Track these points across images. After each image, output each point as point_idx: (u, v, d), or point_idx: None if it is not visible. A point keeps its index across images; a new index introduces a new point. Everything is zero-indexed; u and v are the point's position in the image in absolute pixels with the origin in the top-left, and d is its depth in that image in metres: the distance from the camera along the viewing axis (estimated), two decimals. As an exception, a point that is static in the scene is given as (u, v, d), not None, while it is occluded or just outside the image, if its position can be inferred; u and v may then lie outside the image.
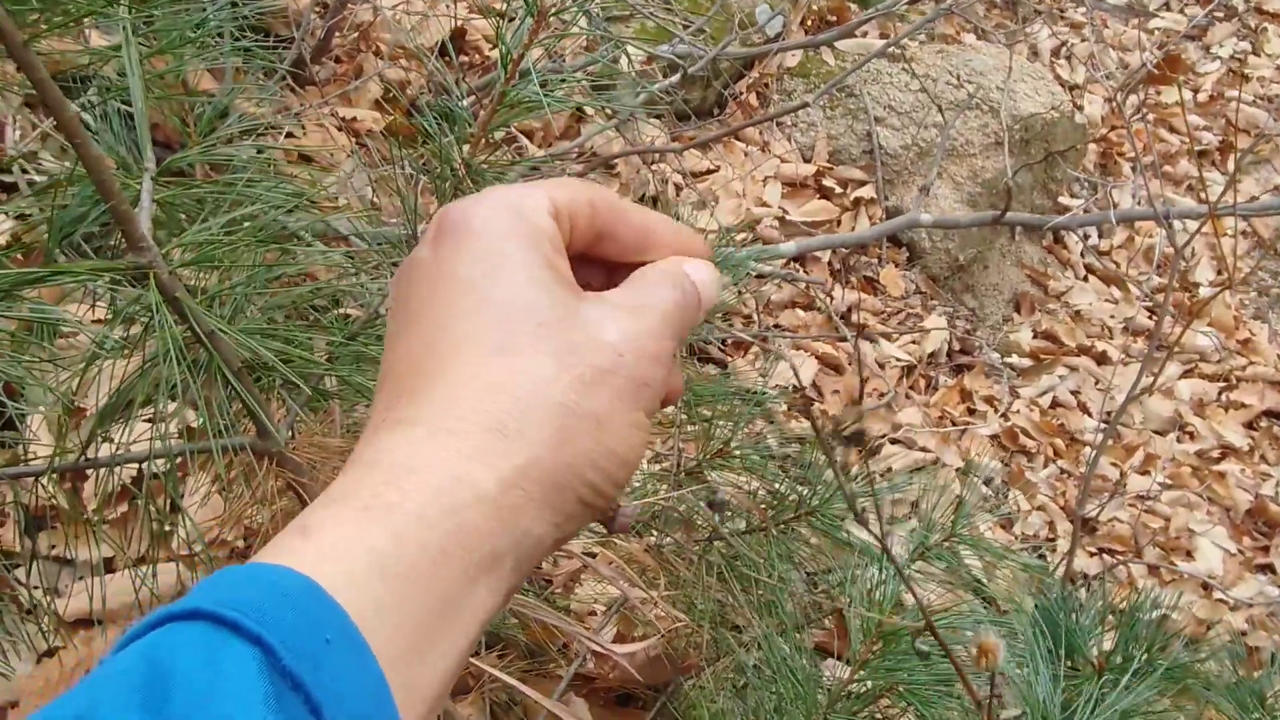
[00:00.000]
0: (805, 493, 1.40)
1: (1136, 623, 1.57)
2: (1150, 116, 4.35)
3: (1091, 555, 2.87)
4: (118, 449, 0.90)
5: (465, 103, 0.93)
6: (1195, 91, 4.62)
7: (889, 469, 2.70)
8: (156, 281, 0.79)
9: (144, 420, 1.02)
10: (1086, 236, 3.87)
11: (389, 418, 0.43)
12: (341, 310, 1.25)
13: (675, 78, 2.39)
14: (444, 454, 0.41)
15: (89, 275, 0.69)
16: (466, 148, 1.00)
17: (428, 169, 1.16)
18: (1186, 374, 3.54)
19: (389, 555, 0.39)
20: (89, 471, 1.16)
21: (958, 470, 2.82)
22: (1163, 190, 3.84)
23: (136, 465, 0.92)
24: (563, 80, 0.98)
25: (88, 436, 0.87)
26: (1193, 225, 3.44)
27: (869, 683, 1.26)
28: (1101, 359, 3.47)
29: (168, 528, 1.25)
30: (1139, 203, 3.92)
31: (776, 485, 1.45)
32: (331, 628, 0.36)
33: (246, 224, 0.88)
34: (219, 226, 0.82)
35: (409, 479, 0.41)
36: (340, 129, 2.55)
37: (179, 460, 0.91)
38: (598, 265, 0.50)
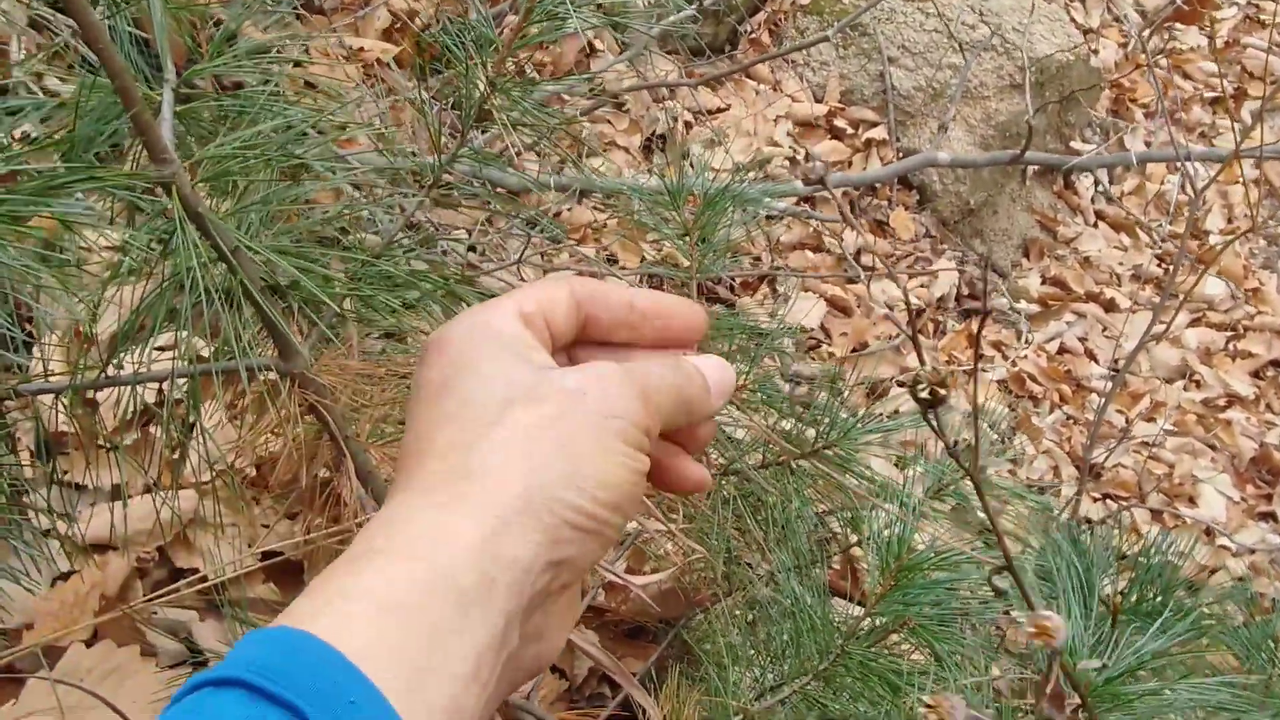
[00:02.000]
0: (823, 428, 1.39)
1: (1151, 566, 1.58)
2: (1164, 62, 4.29)
3: (1095, 500, 2.87)
4: (138, 368, 0.88)
5: (487, 12, 0.90)
6: (1211, 38, 4.56)
7: (896, 410, 2.70)
8: (179, 195, 0.77)
9: (157, 349, 1.01)
10: (1097, 182, 3.83)
11: (390, 491, 0.50)
12: (356, 237, 1.23)
13: (692, 8, 2.35)
14: (422, 504, 0.47)
15: (118, 180, 0.68)
16: (490, 66, 0.97)
17: (447, 92, 1.14)
18: (1194, 323, 3.53)
19: (385, 596, 0.43)
20: (103, 394, 1.15)
21: (964, 414, 2.81)
22: (1176, 136, 3.79)
23: (157, 385, 0.91)
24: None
25: (109, 354, 0.86)
26: (1203, 172, 3.41)
27: (882, 618, 1.26)
28: (1110, 306, 3.45)
29: (176, 455, 1.24)
30: (1149, 146, 3.88)
31: (794, 421, 1.44)
32: (354, 689, 0.40)
33: (265, 141, 0.86)
34: (242, 141, 0.80)
35: (394, 528, 0.46)
36: (347, 59, 2.50)
37: (200, 379, 0.90)
38: (609, 349, 0.56)
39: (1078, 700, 0.50)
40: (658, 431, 0.53)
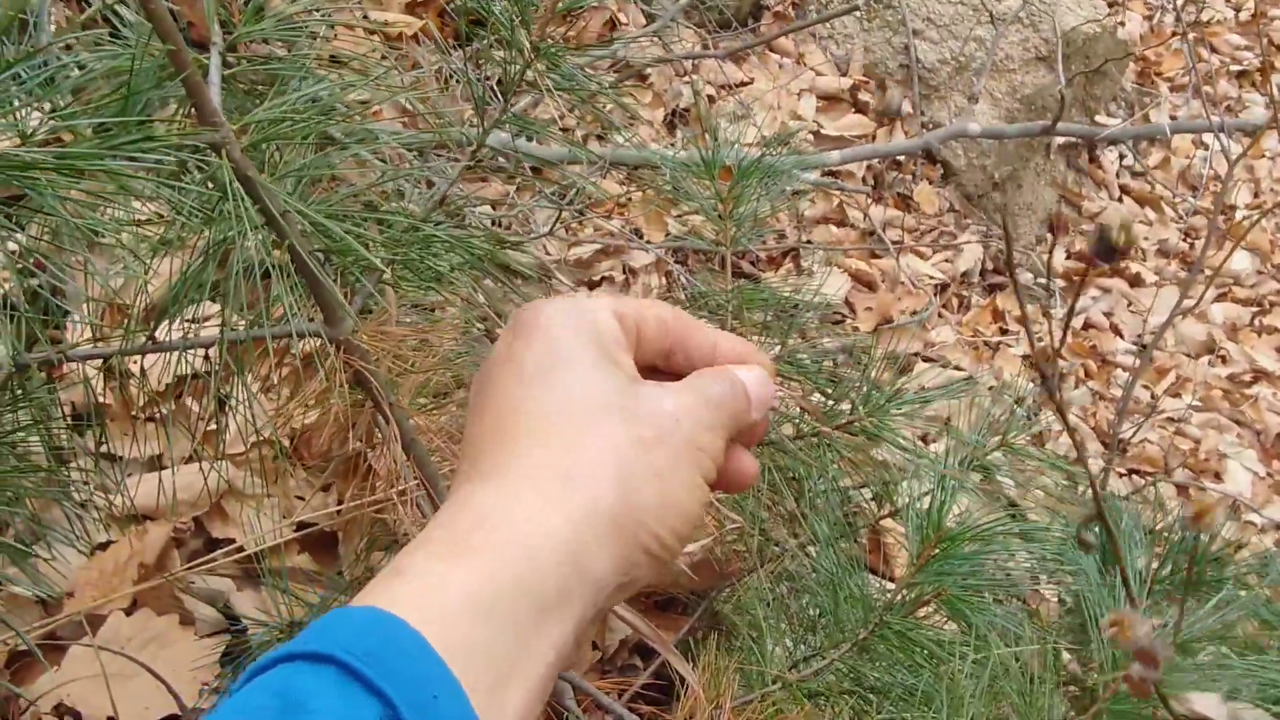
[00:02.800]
0: (858, 399, 1.39)
1: (1184, 540, 1.57)
2: (1190, 35, 4.24)
3: (1121, 476, 2.86)
4: (186, 334, 0.88)
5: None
6: (1237, 10, 4.50)
7: (922, 386, 2.69)
8: (229, 158, 0.77)
9: (191, 321, 1.01)
10: (1123, 156, 3.80)
11: (471, 474, 0.48)
12: (395, 205, 1.22)
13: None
14: (519, 501, 0.46)
15: (172, 140, 0.67)
16: (533, 30, 0.97)
17: (484, 57, 1.13)
18: (1220, 297, 3.50)
19: (479, 594, 0.43)
20: (148, 362, 1.15)
21: (990, 388, 2.80)
22: (1204, 110, 3.76)
23: (203, 352, 0.91)
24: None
25: (156, 318, 0.86)
26: (1232, 147, 3.37)
27: (920, 588, 1.25)
28: (1135, 281, 3.43)
29: (215, 424, 1.24)
30: (1173, 120, 3.84)
31: (826, 393, 1.44)
32: (438, 684, 0.40)
33: (311, 105, 0.86)
34: (289, 105, 0.80)
35: (491, 523, 0.45)
36: (372, 34, 2.50)
37: (245, 346, 0.90)
38: (668, 378, 0.55)
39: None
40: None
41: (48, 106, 0.68)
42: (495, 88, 1.10)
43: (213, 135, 0.74)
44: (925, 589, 1.24)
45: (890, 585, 1.49)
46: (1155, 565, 1.60)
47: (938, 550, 1.14)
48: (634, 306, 0.54)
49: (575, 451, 0.48)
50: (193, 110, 0.79)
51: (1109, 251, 0.49)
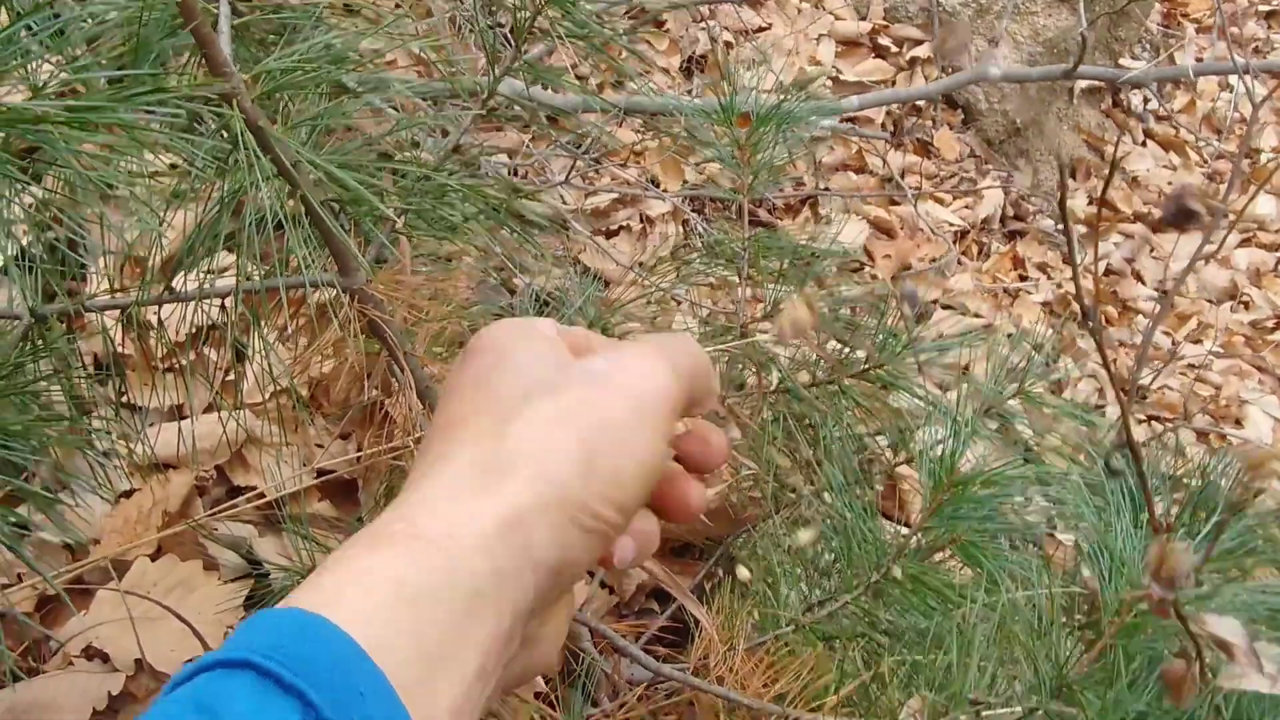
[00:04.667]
0: (876, 344, 1.39)
1: (1208, 484, 1.57)
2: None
3: (1140, 422, 2.85)
4: (202, 284, 0.89)
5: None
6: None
7: (940, 334, 2.68)
8: (241, 108, 0.77)
9: (206, 272, 1.02)
10: (1147, 100, 3.75)
11: (409, 484, 0.49)
12: (408, 154, 1.22)
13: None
14: (445, 494, 0.47)
15: (183, 92, 0.68)
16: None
17: (499, 2, 1.13)
18: (1244, 243, 3.46)
19: (402, 582, 0.43)
20: (165, 313, 1.16)
21: (1009, 335, 2.80)
22: (1229, 51, 3.69)
23: (220, 301, 0.92)
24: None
25: (172, 269, 0.87)
26: (1257, 90, 3.31)
27: (933, 532, 1.26)
28: (1158, 226, 3.40)
29: (234, 374, 1.26)
30: (1200, 62, 3.78)
31: (843, 340, 1.44)
32: (363, 679, 0.39)
33: (322, 54, 0.86)
34: (300, 54, 0.80)
35: (413, 515, 0.46)
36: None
37: (260, 296, 0.91)
38: None
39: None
40: (684, 408, 0.52)
41: (58, 59, 0.69)
42: (508, 35, 1.10)
43: (224, 86, 0.74)
44: (940, 534, 1.25)
45: (906, 531, 1.50)
46: (1175, 511, 1.61)
47: (949, 495, 1.15)
48: (573, 330, 0.55)
49: (499, 440, 0.48)
50: (204, 61, 0.79)
51: (1184, 215, 0.49)
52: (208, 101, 0.76)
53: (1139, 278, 3.26)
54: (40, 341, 0.87)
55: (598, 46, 1.04)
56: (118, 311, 0.90)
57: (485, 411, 0.49)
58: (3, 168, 0.57)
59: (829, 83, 3.05)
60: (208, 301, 0.96)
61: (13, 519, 0.85)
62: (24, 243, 0.92)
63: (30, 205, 0.85)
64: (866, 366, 1.38)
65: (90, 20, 0.79)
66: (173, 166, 0.90)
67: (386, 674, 0.40)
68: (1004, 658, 1.07)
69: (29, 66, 0.69)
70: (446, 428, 0.50)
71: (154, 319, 1.23)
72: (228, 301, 0.91)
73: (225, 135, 0.81)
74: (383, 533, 0.45)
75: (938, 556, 1.34)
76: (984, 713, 0.97)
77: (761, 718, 1.07)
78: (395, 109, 1.49)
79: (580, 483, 0.47)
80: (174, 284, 0.97)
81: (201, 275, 0.92)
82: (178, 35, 0.77)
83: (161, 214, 0.83)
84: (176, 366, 1.29)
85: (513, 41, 1.01)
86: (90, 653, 1.26)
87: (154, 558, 1.35)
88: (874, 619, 1.20)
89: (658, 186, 2.57)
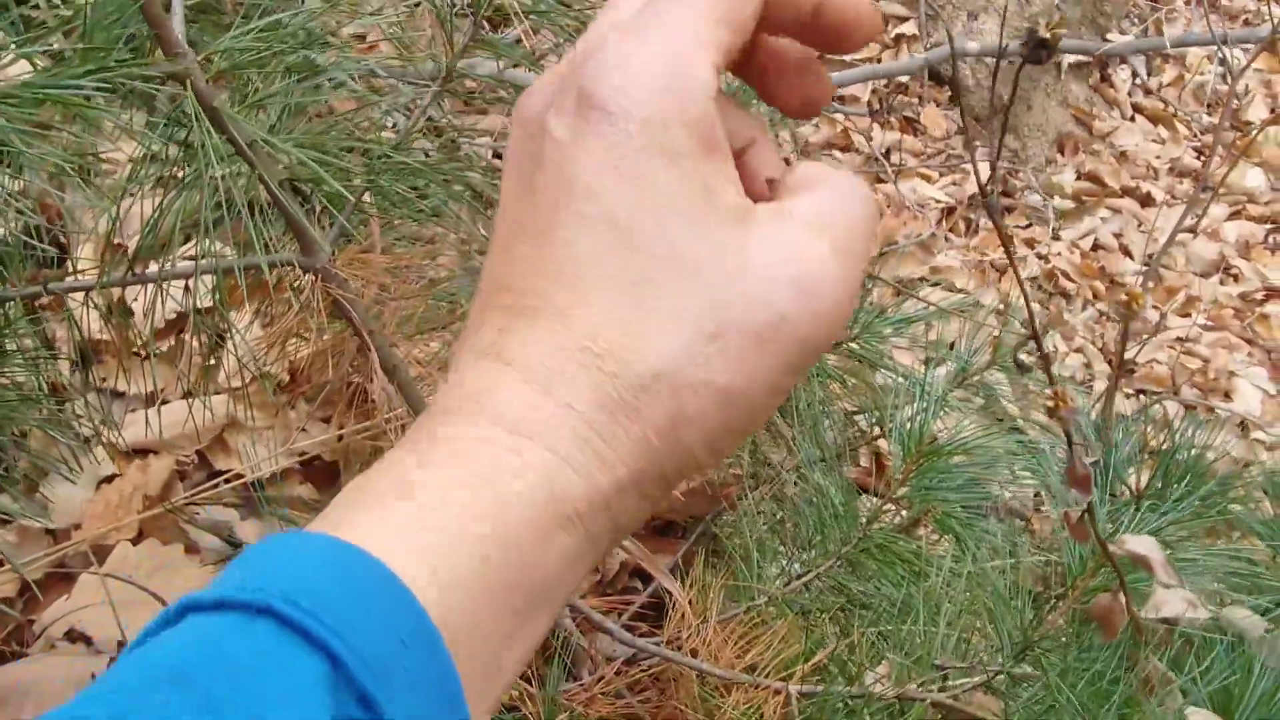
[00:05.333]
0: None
1: (1176, 451, 1.58)
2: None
3: (1128, 395, 2.86)
4: (162, 266, 0.90)
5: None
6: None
7: (927, 305, 2.69)
8: (194, 89, 0.78)
9: (185, 257, 1.03)
10: (1135, 74, 3.74)
11: (496, 343, 0.36)
12: (376, 136, 1.23)
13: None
14: (558, 430, 0.35)
15: (129, 73, 0.68)
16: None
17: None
18: (1234, 215, 3.46)
19: (491, 544, 0.33)
20: (135, 299, 1.17)
21: (995, 311, 2.80)
22: (1209, 24, 3.69)
23: (184, 284, 0.93)
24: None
25: (134, 251, 0.88)
26: (1239, 61, 3.31)
27: (905, 505, 1.28)
28: (1146, 201, 3.40)
29: (212, 360, 1.27)
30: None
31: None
32: (407, 625, 0.31)
33: (281, 31, 0.86)
34: (256, 31, 0.81)
35: (523, 447, 0.34)
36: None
37: (227, 279, 0.91)
38: None
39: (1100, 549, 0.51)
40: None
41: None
42: (470, 14, 1.11)
43: (174, 65, 0.75)
44: (916, 506, 1.26)
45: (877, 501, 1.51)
46: (1148, 478, 1.62)
47: (918, 464, 1.16)
48: (731, 12, 0.37)
49: (633, 367, 0.35)
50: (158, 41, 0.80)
51: (1040, 48, 0.48)
52: (162, 82, 0.77)
53: (1127, 252, 3.26)
54: (6, 322, 0.88)
55: (562, 26, 1.05)
56: (82, 295, 0.91)
57: (619, 276, 0.35)
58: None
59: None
60: (176, 284, 0.97)
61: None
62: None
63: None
64: (838, 341, 1.39)
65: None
66: (144, 134, 0.91)
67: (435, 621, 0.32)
68: (972, 625, 1.08)
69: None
70: (553, 254, 0.36)
71: (133, 305, 1.24)
72: (191, 283, 0.92)
73: (183, 117, 0.82)
74: (480, 470, 0.34)
75: (921, 530, 1.35)
76: (950, 679, 0.99)
77: (734, 687, 1.08)
78: (373, 90, 1.49)
79: (704, 430, 0.36)
80: (149, 262, 0.98)
81: (168, 258, 0.92)
82: (124, 32, 0.77)
83: (120, 196, 0.83)
84: (153, 352, 1.30)
85: (473, 20, 1.02)
86: (73, 636, 1.28)
87: (135, 542, 1.37)
88: (846, 590, 1.21)
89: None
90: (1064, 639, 0.92)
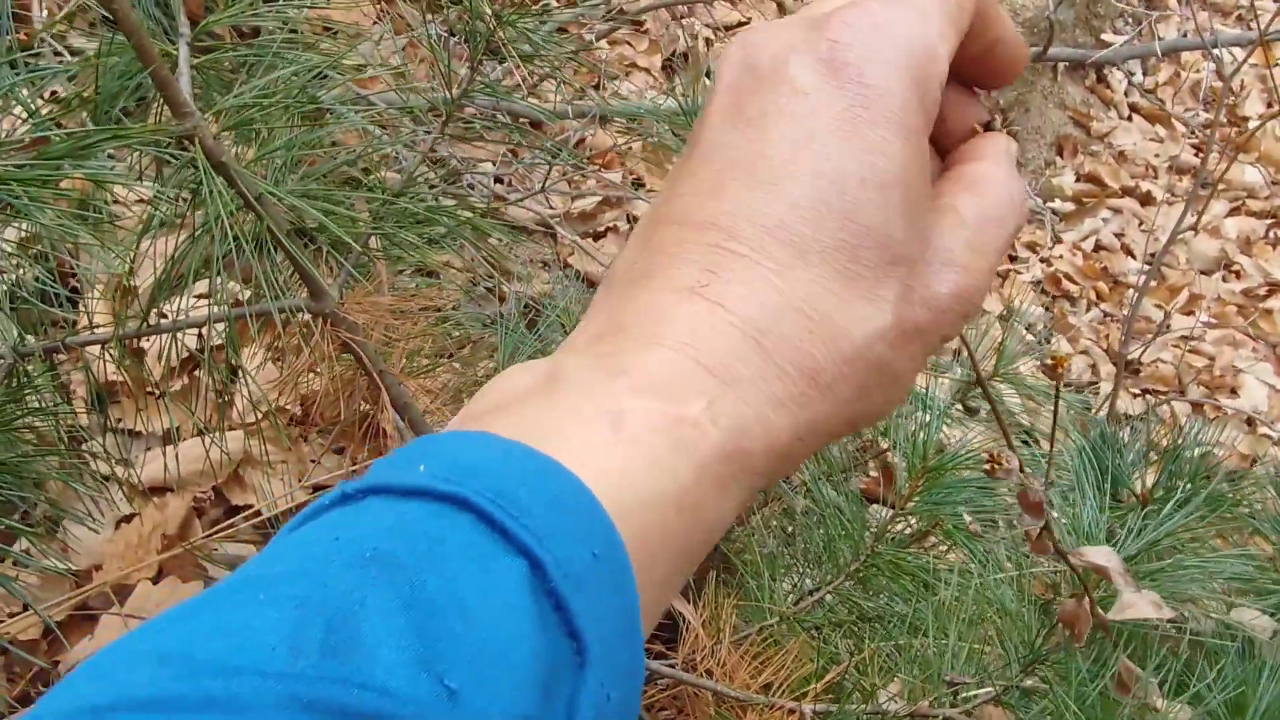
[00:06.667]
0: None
1: (1180, 455, 1.59)
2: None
3: (1135, 396, 2.87)
4: (178, 317, 0.92)
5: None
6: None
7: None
8: (203, 147, 0.80)
9: (197, 296, 1.05)
10: (1131, 74, 3.76)
11: (709, 285, 0.35)
12: (378, 176, 1.25)
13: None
14: (759, 385, 0.35)
15: (143, 137, 0.71)
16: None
17: (460, 26, 1.16)
18: (1234, 211, 3.48)
19: (687, 490, 0.33)
20: (148, 342, 1.19)
21: (999, 316, 2.81)
22: (1210, 22, 3.70)
23: (197, 330, 0.95)
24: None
25: (147, 303, 0.90)
26: (1242, 56, 3.32)
27: (913, 520, 1.29)
28: (1146, 199, 3.41)
29: (225, 398, 1.29)
30: (1186, 36, 3.79)
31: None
32: (599, 539, 0.31)
33: (286, 86, 0.89)
34: (259, 90, 0.83)
35: (727, 397, 0.34)
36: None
37: (238, 323, 0.94)
38: None
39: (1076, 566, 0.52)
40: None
41: (20, 110, 0.72)
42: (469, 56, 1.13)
43: (183, 127, 0.77)
44: (921, 520, 1.28)
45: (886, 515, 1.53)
46: (1154, 480, 1.63)
47: (923, 480, 1.18)
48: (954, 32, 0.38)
49: (836, 341, 0.35)
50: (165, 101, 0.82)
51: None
52: (168, 144, 0.79)
53: (1129, 252, 3.27)
54: (26, 379, 0.90)
55: (554, 65, 1.07)
56: (99, 347, 0.93)
57: (835, 248, 0.36)
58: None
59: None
60: (186, 331, 0.99)
61: (7, 554, 0.89)
62: (5, 281, 0.95)
63: (15, 242, 0.88)
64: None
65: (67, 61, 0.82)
66: (148, 201, 0.93)
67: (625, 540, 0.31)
68: (982, 636, 1.09)
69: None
70: (779, 197, 0.36)
71: (144, 347, 1.26)
72: (204, 331, 0.94)
73: (191, 172, 0.84)
74: (684, 417, 0.34)
75: (930, 541, 1.37)
76: (961, 694, 1.00)
77: (749, 708, 1.09)
78: (378, 126, 1.52)
79: (866, 417, 0.38)
80: (163, 309, 1.00)
81: (176, 309, 0.95)
82: (132, 81, 0.80)
83: (135, 247, 0.86)
84: (168, 393, 1.32)
85: (470, 66, 1.04)
86: (97, 676, 1.30)
87: (155, 580, 1.39)
88: (858, 606, 1.23)
89: (643, 187, 2.60)
90: (1071, 651, 0.94)
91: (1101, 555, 0.46)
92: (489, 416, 0.34)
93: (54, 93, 1.48)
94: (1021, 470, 0.46)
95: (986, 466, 0.46)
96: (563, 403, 0.34)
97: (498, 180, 2.29)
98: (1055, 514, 1.12)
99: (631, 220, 2.56)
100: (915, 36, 0.36)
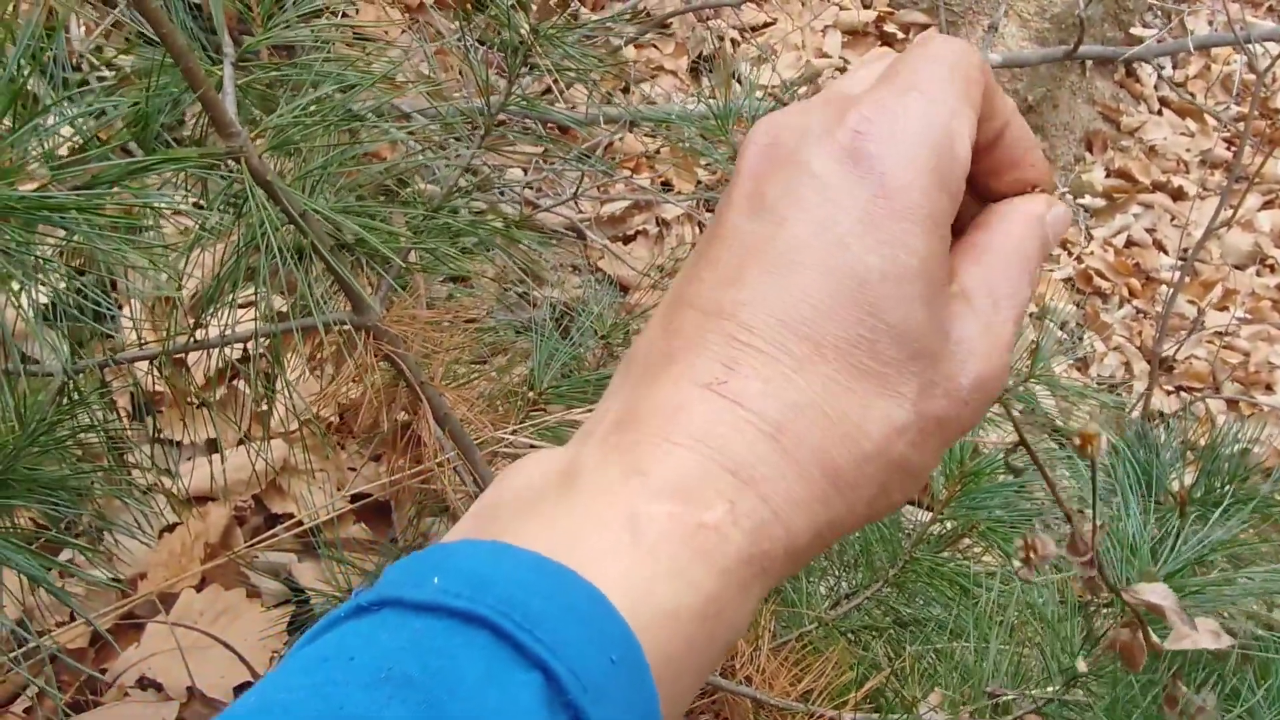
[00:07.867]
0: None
1: (1218, 456, 1.58)
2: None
3: (1169, 394, 2.85)
4: (224, 330, 0.94)
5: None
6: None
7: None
8: (248, 165, 0.81)
9: (239, 306, 1.07)
10: (1161, 68, 3.73)
11: (726, 382, 0.35)
12: (414, 188, 1.27)
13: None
14: (778, 484, 0.34)
15: (193, 161, 0.72)
16: (532, 11, 0.99)
17: (489, 37, 1.16)
18: (1267, 205, 3.44)
19: (710, 599, 0.33)
20: (192, 356, 1.21)
21: (1031, 315, 2.80)
22: (1242, 14, 3.67)
23: (241, 345, 0.97)
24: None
25: (195, 319, 0.91)
26: (1274, 49, 3.29)
27: (949, 523, 1.29)
28: (1178, 194, 3.38)
29: (264, 406, 1.30)
30: (1216, 29, 3.75)
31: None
32: (616, 644, 0.31)
33: (326, 104, 0.90)
34: (300, 109, 0.84)
35: (746, 497, 0.34)
36: (393, 3, 2.53)
37: (282, 336, 0.95)
38: None
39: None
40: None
41: (69, 130, 0.73)
42: (503, 66, 1.14)
43: (230, 146, 0.78)
44: (958, 523, 1.28)
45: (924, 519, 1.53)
46: (1192, 479, 1.61)
47: (962, 486, 1.18)
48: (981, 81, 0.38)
49: (855, 440, 0.35)
50: (211, 121, 0.83)
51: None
52: (214, 166, 0.80)
53: (1161, 248, 3.25)
54: (76, 395, 0.91)
55: (587, 77, 1.08)
56: (147, 362, 0.94)
57: (856, 345, 0.35)
58: (26, 253, 0.61)
59: (836, 74, 3.06)
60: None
61: (54, 565, 0.90)
62: (47, 297, 0.97)
63: (57, 258, 0.90)
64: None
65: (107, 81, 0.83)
66: (191, 213, 0.94)
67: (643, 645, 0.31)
68: (1021, 640, 1.09)
69: (46, 141, 0.73)
70: (801, 302, 0.35)
71: (185, 359, 1.28)
72: (249, 346, 0.95)
73: (236, 189, 0.86)
74: (706, 523, 0.33)
75: (965, 542, 1.36)
76: (1001, 704, 1.00)
77: (789, 715, 1.10)
78: (412, 135, 1.53)
79: (881, 512, 0.37)
80: (208, 322, 1.02)
81: (221, 322, 0.96)
82: (171, 98, 0.81)
83: (182, 265, 0.87)
84: (209, 403, 1.34)
85: (507, 75, 1.05)
86: (145, 683, 1.32)
87: (199, 588, 1.41)
88: (896, 611, 1.23)
89: (671, 189, 2.60)
90: (1113, 665, 0.93)
91: (1157, 594, 0.46)
92: (505, 518, 0.34)
93: (102, 112, 1.50)
94: (1068, 520, 0.46)
95: (1021, 554, 0.47)
96: (580, 506, 0.34)
97: (528, 186, 2.30)
98: (1099, 521, 1.11)
99: (661, 223, 2.57)
100: (934, 124, 0.36)
